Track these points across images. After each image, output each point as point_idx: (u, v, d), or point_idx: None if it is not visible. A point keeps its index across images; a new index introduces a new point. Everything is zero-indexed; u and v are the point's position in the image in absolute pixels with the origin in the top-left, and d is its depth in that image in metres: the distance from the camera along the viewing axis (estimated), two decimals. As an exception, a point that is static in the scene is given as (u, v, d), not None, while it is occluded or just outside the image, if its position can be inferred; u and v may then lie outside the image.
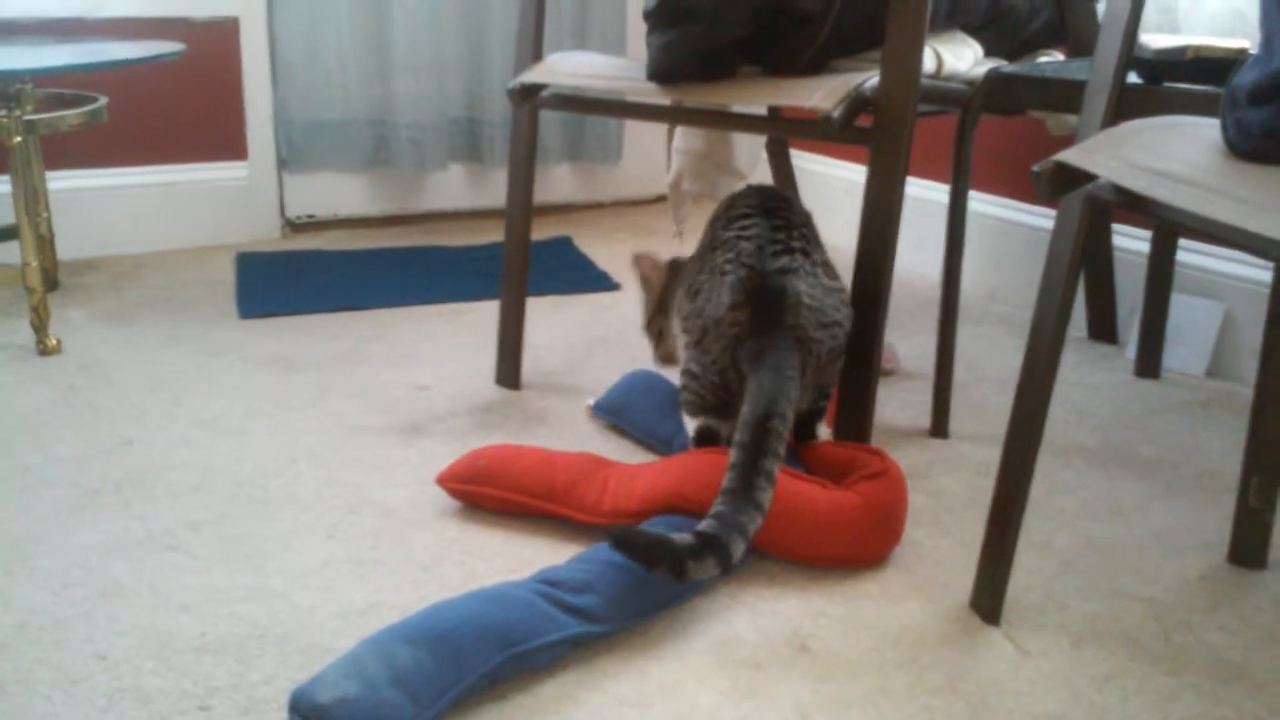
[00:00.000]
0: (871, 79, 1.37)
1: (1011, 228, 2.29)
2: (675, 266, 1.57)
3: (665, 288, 1.58)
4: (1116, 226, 2.04)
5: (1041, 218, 2.22)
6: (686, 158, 1.94)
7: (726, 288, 1.33)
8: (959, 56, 1.58)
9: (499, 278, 1.82)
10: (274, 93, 2.61)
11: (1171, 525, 1.41)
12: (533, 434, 1.64)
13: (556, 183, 2.98)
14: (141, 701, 1.03)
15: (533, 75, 1.64)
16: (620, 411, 1.64)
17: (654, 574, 1.14)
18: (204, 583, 1.23)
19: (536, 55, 1.71)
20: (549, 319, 2.14)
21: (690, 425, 1.43)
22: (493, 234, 2.71)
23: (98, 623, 1.15)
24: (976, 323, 2.17)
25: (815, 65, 1.48)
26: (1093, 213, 1.14)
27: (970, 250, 1.67)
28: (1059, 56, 1.76)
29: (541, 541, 1.33)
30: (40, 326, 1.90)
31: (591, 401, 1.69)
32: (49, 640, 1.12)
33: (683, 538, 1.14)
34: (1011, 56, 1.71)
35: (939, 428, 1.66)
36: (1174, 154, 1.01)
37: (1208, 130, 1.05)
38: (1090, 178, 1.05)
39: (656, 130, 3.05)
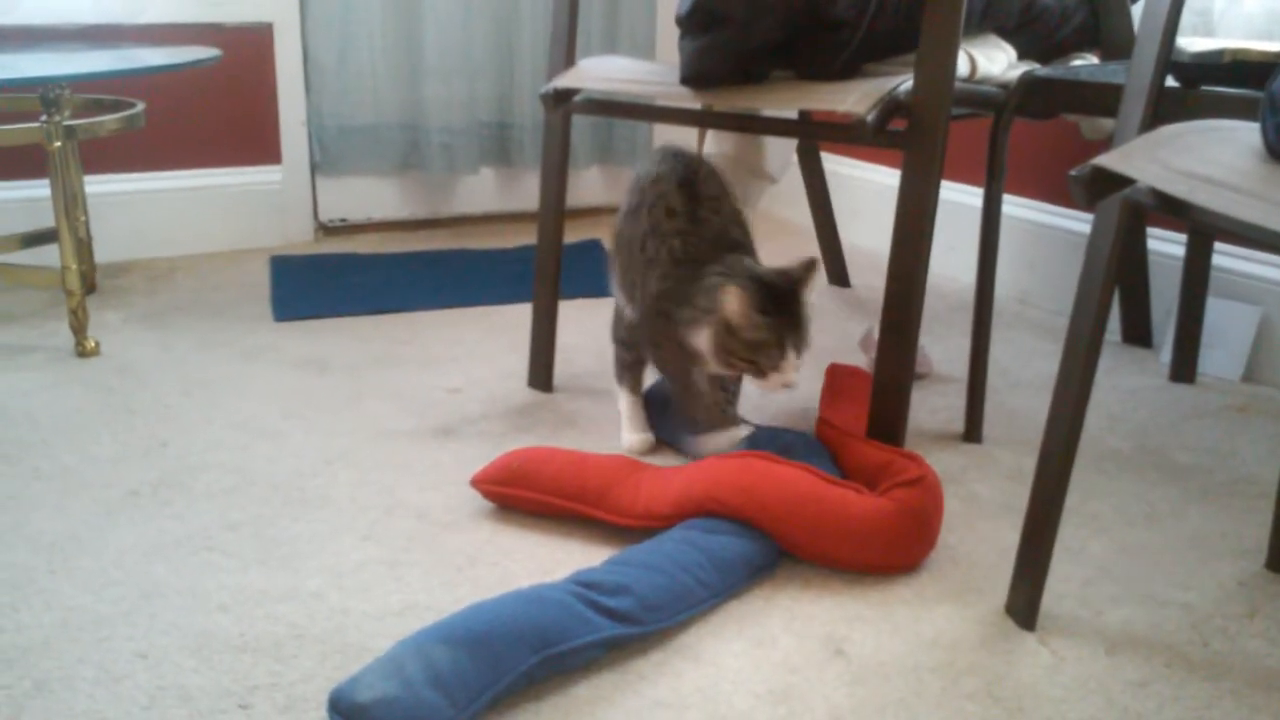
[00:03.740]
0: (905, 83, 1.37)
1: (1044, 231, 2.28)
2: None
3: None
4: (1151, 230, 2.03)
5: (1075, 221, 2.21)
6: (718, 161, 1.95)
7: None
8: (992, 60, 1.58)
9: (529, 281, 1.83)
10: (307, 97, 2.64)
11: (1207, 531, 1.40)
12: (565, 436, 1.65)
13: (586, 186, 2.98)
14: (183, 700, 1.04)
15: (566, 80, 1.65)
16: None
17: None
18: (241, 583, 1.24)
19: (569, 60, 1.72)
20: (580, 321, 2.14)
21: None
22: (523, 237, 2.72)
23: (138, 622, 1.16)
24: (1009, 327, 2.16)
25: (848, 70, 1.48)
26: (1130, 217, 1.14)
27: (1003, 253, 1.66)
28: (1093, 59, 1.75)
29: (575, 544, 1.34)
30: (79, 329, 1.93)
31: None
32: (90, 639, 1.13)
33: None
34: (1045, 59, 1.70)
35: (972, 432, 1.65)
36: (1213, 158, 1.01)
37: (1247, 134, 1.04)
38: (1128, 182, 1.04)
39: (684, 133, 3.05)
